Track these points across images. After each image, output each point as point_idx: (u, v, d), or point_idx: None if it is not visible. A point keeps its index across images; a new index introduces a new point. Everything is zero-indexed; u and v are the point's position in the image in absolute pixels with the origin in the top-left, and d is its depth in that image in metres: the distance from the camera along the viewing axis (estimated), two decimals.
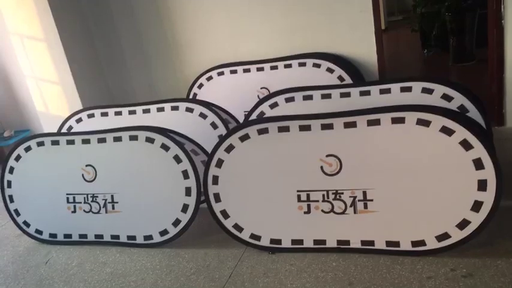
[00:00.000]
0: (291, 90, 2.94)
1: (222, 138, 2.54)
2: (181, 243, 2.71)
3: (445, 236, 2.17)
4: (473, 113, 2.53)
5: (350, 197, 2.33)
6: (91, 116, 3.50)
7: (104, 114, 3.45)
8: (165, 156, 2.66)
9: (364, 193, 2.30)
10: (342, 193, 2.34)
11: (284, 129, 2.41)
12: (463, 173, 2.12)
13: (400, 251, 2.24)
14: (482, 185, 2.09)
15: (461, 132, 2.10)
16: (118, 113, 3.40)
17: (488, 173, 2.08)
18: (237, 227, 2.54)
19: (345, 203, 2.34)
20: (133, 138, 2.74)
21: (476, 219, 2.11)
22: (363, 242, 2.32)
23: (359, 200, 2.31)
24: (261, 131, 2.45)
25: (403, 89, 2.68)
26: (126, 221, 2.81)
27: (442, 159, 2.15)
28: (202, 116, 3.14)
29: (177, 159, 2.64)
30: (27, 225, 3.06)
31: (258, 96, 3.78)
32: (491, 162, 2.07)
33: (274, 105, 2.98)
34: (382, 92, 2.73)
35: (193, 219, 2.64)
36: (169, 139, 2.66)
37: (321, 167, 2.35)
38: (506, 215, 2.36)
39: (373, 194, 2.28)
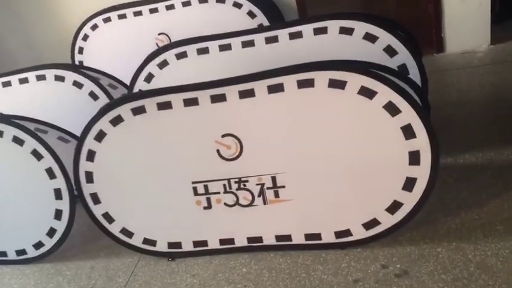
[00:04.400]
0: (180, 44, 2.33)
1: (88, 124, 1.94)
2: (65, 254, 2.19)
3: (373, 223, 1.75)
4: (403, 54, 2.04)
5: (257, 184, 1.84)
6: None
7: None
8: (21, 152, 2.04)
9: (274, 179, 1.82)
10: (247, 181, 1.85)
11: (165, 105, 1.84)
12: (390, 145, 1.67)
13: (322, 244, 1.82)
14: (414, 158, 1.65)
15: (385, 93, 1.62)
16: None
17: (421, 142, 1.63)
18: (125, 232, 2.02)
19: (251, 192, 1.85)
20: None
21: (410, 200, 1.70)
22: (278, 238, 1.87)
23: (268, 188, 1.83)
24: (136, 111, 1.87)
25: (317, 31, 2.13)
26: None
27: (363, 129, 1.68)
28: (77, 84, 2.49)
29: (37, 155, 2.03)
30: None
31: (157, 44, 3.14)
32: (425, 129, 1.62)
33: (163, 64, 2.37)
34: (292, 36, 2.17)
35: (71, 226, 2.11)
36: (22, 130, 2.03)
37: (218, 151, 1.83)
38: (449, 176, 1.98)
39: (284, 179, 1.81)
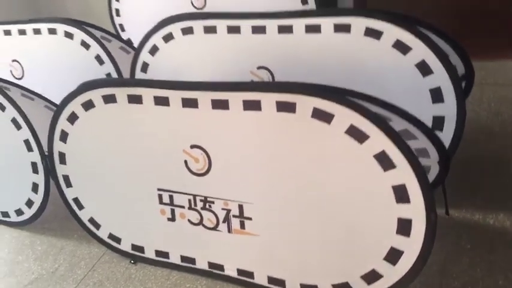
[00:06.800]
0: (187, 17, 2.01)
1: (61, 103, 1.76)
2: (44, 225, 2.12)
3: (345, 287, 1.43)
4: (440, 75, 1.58)
5: (222, 209, 1.58)
6: None
7: None
8: (3, 118, 1.94)
9: (241, 207, 1.54)
10: (213, 202, 1.59)
11: (135, 99, 1.59)
12: (377, 204, 1.31)
13: None
14: (403, 227, 1.28)
15: (379, 140, 1.24)
16: None
17: (415, 210, 1.25)
18: (93, 222, 1.89)
19: (216, 215, 1.60)
20: None
21: (391, 274, 1.35)
22: (240, 271, 1.62)
23: (234, 216, 1.56)
24: (107, 99, 1.65)
25: (338, 28, 1.71)
26: None
27: (346, 177, 1.33)
28: (85, 45, 2.29)
29: (16, 124, 1.92)
30: None
31: (192, 2, 2.82)
32: (422, 195, 1.22)
33: (169, 38, 2.09)
34: (308, 29, 1.77)
35: (46, 202, 2.01)
36: (5, 97, 1.92)
37: (185, 162, 1.58)
38: (466, 239, 1.57)
39: (251, 210, 1.52)
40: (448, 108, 1.59)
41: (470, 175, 1.78)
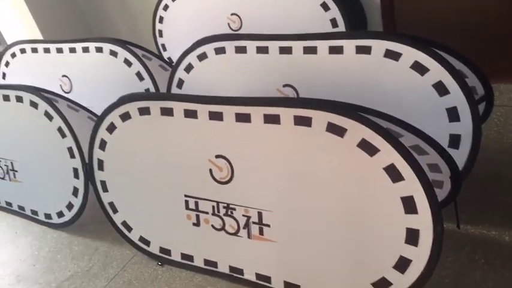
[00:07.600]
0: (220, 38, 2.16)
1: (102, 114, 1.93)
2: (83, 227, 2.28)
3: None
4: (456, 96, 1.64)
5: (243, 216, 1.68)
6: (23, 51, 2.97)
7: (34, 51, 2.91)
8: (49, 127, 2.14)
9: (260, 215, 1.63)
10: (234, 209, 1.69)
11: (167, 111, 1.74)
12: (386, 213, 1.37)
13: None
14: (412, 237, 1.34)
15: (389, 154, 1.32)
16: (47, 50, 2.84)
17: (423, 221, 1.31)
18: (125, 225, 2.02)
19: (237, 222, 1.70)
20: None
21: (400, 283, 1.40)
22: (258, 276, 1.71)
23: (254, 223, 1.66)
24: (142, 111, 1.80)
25: (359, 50, 1.80)
26: (28, 193, 2.41)
27: (357, 188, 1.41)
28: (127, 62, 2.48)
29: (61, 132, 2.11)
30: None
31: (229, 24, 2.98)
32: (430, 208, 1.29)
33: (203, 57, 2.23)
34: (332, 50, 1.87)
35: (85, 206, 2.17)
36: (52, 107, 2.12)
37: (210, 170, 1.70)
38: (481, 255, 1.59)
39: (270, 218, 1.62)
40: (464, 127, 1.64)
41: (490, 193, 1.80)
